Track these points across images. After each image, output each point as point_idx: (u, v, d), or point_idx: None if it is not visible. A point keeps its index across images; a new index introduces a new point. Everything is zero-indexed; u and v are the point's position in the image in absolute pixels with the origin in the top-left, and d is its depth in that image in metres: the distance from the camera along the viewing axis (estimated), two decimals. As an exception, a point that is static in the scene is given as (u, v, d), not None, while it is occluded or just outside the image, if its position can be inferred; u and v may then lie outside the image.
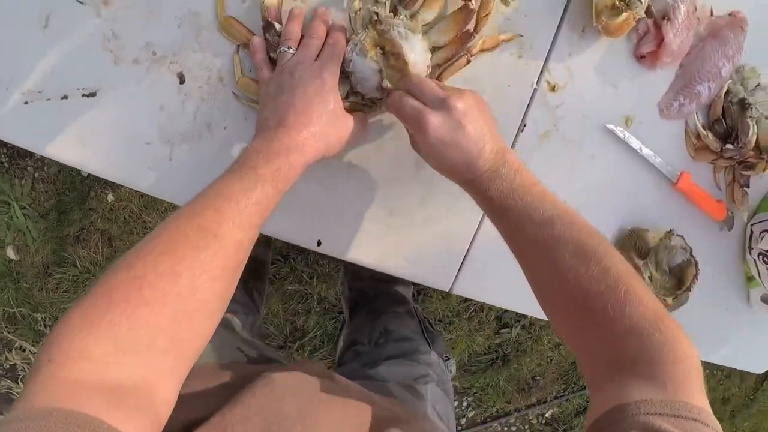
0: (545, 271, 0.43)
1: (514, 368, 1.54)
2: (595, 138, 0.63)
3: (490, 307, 1.44)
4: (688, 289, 0.66)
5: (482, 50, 0.55)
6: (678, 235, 0.66)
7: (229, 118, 0.59)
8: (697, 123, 0.67)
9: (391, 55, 0.49)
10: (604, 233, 0.64)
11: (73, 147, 0.59)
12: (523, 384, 1.59)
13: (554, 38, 0.59)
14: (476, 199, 0.49)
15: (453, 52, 0.53)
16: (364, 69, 0.50)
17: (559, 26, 0.59)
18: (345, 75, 0.52)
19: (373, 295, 0.88)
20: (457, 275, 0.62)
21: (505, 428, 1.62)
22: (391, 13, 0.50)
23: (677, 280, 0.67)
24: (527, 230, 0.44)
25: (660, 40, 0.63)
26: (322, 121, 0.47)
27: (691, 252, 0.67)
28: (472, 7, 0.50)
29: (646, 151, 0.65)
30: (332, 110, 0.48)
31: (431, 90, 0.46)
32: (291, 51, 0.50)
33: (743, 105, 0.67)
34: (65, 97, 0.59)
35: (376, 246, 0.60)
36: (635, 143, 0.64)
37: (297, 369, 0.51)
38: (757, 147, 0.66)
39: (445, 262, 0.61)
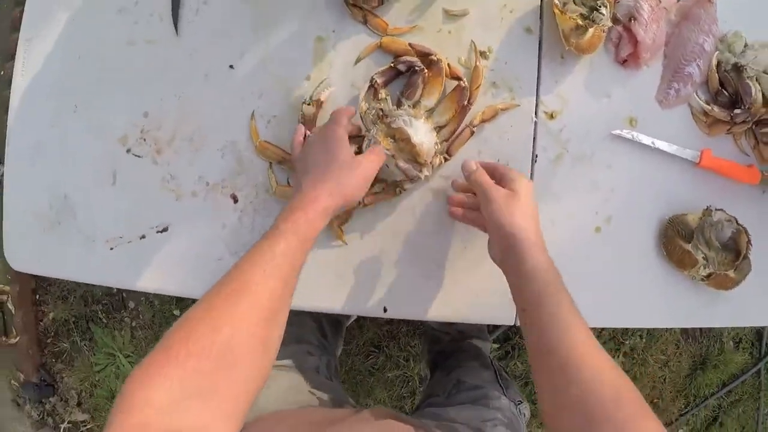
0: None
1: None
2: (605, 147, 0.67)
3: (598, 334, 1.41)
4: (746, 256, 0.66)
5: (482, 121, 0.62)
6: (717, 210, 0.67)
7: (280, 221, 0.68)
8: (700, 101, 0.70)
9: (401, 140, 0.57)
10: (643, 232, 0.66)
11: (156, 277, 0.69)
12: None
13: (538, 72, 0.66)
14: (511, 270, 0.52)
15: (455, 126, 0.61)
16: (388, 170, 0.58)
17: (539, 61, 0.66)
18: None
19: (450, 352, 0.92)
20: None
21: None
22: (395, 106, 0.59)
23: (734, 252, 0.68)
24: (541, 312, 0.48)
25: (634, 41, 0.67)
26: (334, 173, 0.52)
27: (736, 221, 0.68)
28: (464, 85, 0.58)
29: (659, 144, 0.68)
30: (342, 160, 0.53)
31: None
32: None
33: (738, 69, 0.69)
34: (143, 236, 0.70)
35: (436, 299, 0.65)
36: (646, 139, 0.68)
37: (370, 415, 0.54)
38: (766, 102, 0.68)
39: (504, 299, 0.65)
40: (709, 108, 0.70)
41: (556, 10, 0.63)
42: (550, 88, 0.66)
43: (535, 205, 0.55)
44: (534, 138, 0.65)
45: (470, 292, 0.65)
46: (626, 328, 1.39)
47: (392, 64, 0.62)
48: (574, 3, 0.65)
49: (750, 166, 0.72)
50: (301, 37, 0.67)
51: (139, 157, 0.71)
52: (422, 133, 0.57)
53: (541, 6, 0.67)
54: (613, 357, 1.41)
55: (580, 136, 0.66)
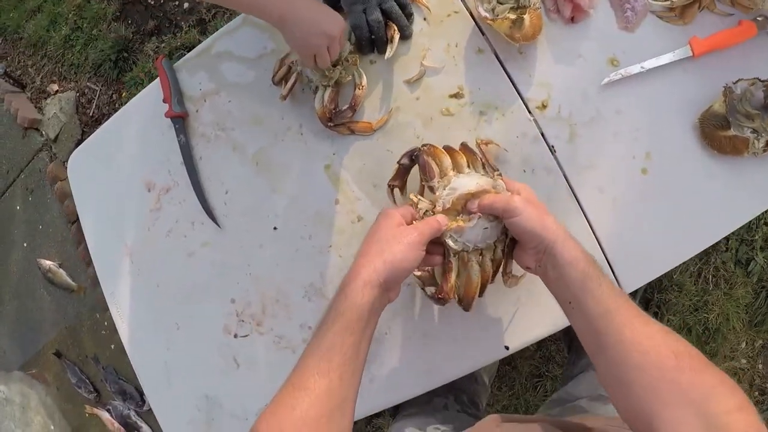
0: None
1: None
2: (605, 98, 0.69)
3: (723, 260, 1.30)
4: (791, 105, 0.66)
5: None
6: (735, 82, 0.68)
7: (384, 325, 0.74)
8: (658, 2, 0.71)
9: (464, 203, 0.58)
10: (687, 145, 0.68)
11: None
12: None
13: (510, 78, 0.70)
14: (551, 269, 0.53)
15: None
16: (471, 235, 0.57)
17: (504, 69, 0.70)
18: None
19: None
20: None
21: None
22: (430, 192, 0.60)
23: (777, 108, 0.68)
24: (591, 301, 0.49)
25: (569, -5, 0.70)
26: (375, 245, 0.52)
27: (759, 79, 0.68)
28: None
29: (648, 63, 0.70)
30: (385, 232, 0.52)
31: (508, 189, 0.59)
32: None
33: None
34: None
35: (541, 316, 0.68)
36: (635, 69, 0.70)
37: (482, 426, 0.56)
38: None
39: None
40: (669, 2, 0.71)
41: (488, 22, 0.68)
42: (527, 83, 0.70)
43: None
44: (542, 133, 0.69)
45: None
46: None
47: (398, 164, 0.65)
48: (500, 3, 0.69)
49: (741, 23, 0.71)
50: (312, 174, 0.76)
51: (245, 336, 0.81)
52: (470, 180, 0.58)
53: (477, 24, 0.72)
54: (752, 256, 1.31)
55: (578, 105, 0.70)
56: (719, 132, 0.68)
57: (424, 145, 0.63)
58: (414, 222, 0.56)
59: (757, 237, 1.33)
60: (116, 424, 1.56)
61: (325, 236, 0.76)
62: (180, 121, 0.80)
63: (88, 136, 1.76)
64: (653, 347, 0.44)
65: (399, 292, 0.56)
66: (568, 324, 0.67)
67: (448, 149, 0.64)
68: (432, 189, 0.60)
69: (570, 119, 0.70)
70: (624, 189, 0.68)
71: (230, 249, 0.81)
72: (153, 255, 0.86)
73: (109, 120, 0.87)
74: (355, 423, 0.50)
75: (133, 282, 0.88)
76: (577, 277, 0.50)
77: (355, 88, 0.71)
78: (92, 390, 1.65)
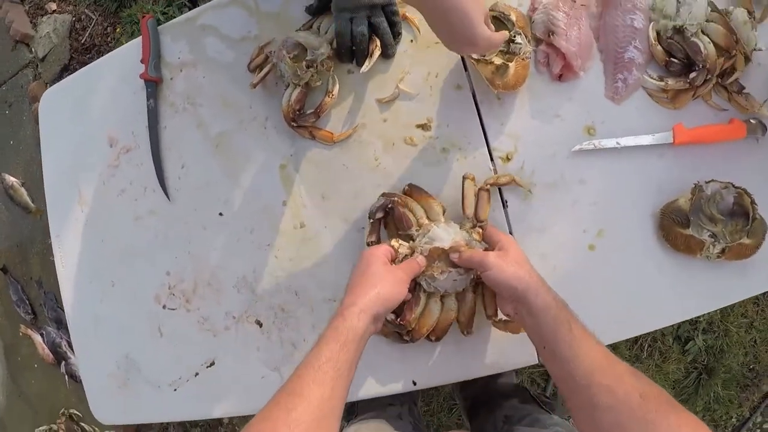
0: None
1: (723, 372, 1.40)
2: (572, 165, 0.67)
3: (662, 332, 1.37)
4: (755, 217, 0.64)
5: (493, 184, 0.67)
6: (708, 182, 0.66)
7: (303, 333, 0.74)
8: (652, 80, 0.69)
9: (442, 255, 0.63)
10: (640, 233, 0.66)
11: (216, 404, 0.77)
12: (744, 380, 1.43)
13: (481, 122, 0.68)
14: (527, 316, 0.56)
15: (471, 200, 0.66)
16: (442, 283, 0.63)
17: (478, 111, 0.68)
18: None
19: (484, 395, 0.94)
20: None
21: (759, 429, 1.45)
22: (410, 241, 0.65)
23: (744, 217, 0.65)
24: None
25: (561, 54, 0.68)
26: (369, 279, 0.57)
27: (732, 185, 0.65)
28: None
29: (625, 141, 0.68)
30: (376, 269, 0.58)
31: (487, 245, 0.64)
32: None
33: (679, 31, 0.67)
34: (197, 374, 0.79)
35: (458, 362, 0.68)
36: (609, 143, 0.67)
37: None
38: (721, 51, 0.65)
39: (520, 342, 0.66)
40: (664, 83, 0.69)
41: (472, 61, 0.65)
42: (497, 132, 0.68)
43: (523, 252, 0.60)
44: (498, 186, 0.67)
45: (488, 345, 0.67)
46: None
47: (371, 220, 0.67)
48: (493, 45, 0.67)
49: (731, 121, 0.69)
50: (266, 170, 0.75)
51: (173, 309, 0.81)
52: (447, 235, 0.63)
53: (463, 59, 0.69)
54: (692, 336, 1.35)
55: (543, 165, 0.68)
56: (677, 228, 0.66)
57: (394, 196, 0.65)
58: (393, 263, 0.63)
59: (701, 318, 1.34)
60: (46, 350, 1.58)
61: (266, 234, 0.75)
62: (153, 85, 0.79)
63: (75, 62, 1.79)
64: (622, 389, 0.47)
65: (381, 325, 0.60)
66: (477, 376, 0.68)
67: (424, 195, 0.67)
68: (410, 237, 0.65)
69: (531, 177, 0.68)
70: (568, 259, 0.66)
71: (175, 223, 0.80)
72: (103, 210, 0.85)
73: (87, 66, 0.86)
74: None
75: (80, 231, 0.88)
76: (549, 323, 0.53)
77: (325, 95, 0.69)
78: (30, 312, 1.68)
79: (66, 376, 1.57)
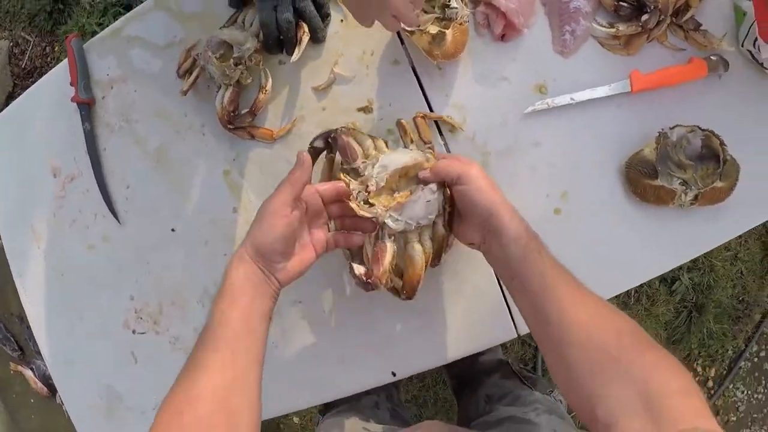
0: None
1: (713, 308, 1.37)
2: (525, 128, 0.63)
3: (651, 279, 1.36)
4: (725, 159, 0.60)
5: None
6: (672, 128, 0.62)
7: (274, 338, 0.71)
8: (602, 28, 0.65)
9: (396, 182, 0.55)
10: (607, 190, 0.62)
11: None
12: (735, 312, 1.40)
13: (425, 96, 0.64)
14: (496, 245, 0.51)
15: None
16: (413, 211, 0.53)
17: (420, 85, 0.64)
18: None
19: (468, 374, 0.91)
20: (513, 319, 0.63)
21: (756, 358, 1.42)
22: (354, 177, 0.54)
23: (715, 159, 0.61)
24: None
25: (501, 12, 0.64)
26: (253, 228, 0.51)
27: (699, 128, 0.61)
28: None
29: (579, 96, 0.64)
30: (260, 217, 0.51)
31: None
32: None
33: None
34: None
35: (434, 347, 0.65)
36: (563, 100, 0.63)
37: (425, 428, 0.55)
38: None
39: (496, 317, 0.63)
40: (614, 30, 0.64)
41: (406, 33, 0.61)
42: (443, 104, 0.64)
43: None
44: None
45: (464, 326, 0.64)
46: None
47: (311, 147, 0.59)
48: (425, 12, 0.63)
49: (690, 61, 0.65)
50: (211, 178, 0.71)
51: (143, 333, 0.78)
52: (401, 155, 0.54)
53: (398, 33, 0.65)
54: (678, 276, 1.32)
55: (495, 132, 0.64)
56: (645, 180, 0.62)
57: (341, 126, 0.57)
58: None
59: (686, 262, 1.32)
60: (39, 383, 1.57)
61: (221, 244, 0.72)
62: (86, 107, 0.75)
63: (19, 88, 1.73)
64: (595, 325, 0.43)
65: (291, 275, 0.53)
66: (456, 358, 0.64)
67: (369, 136, 0.58)
68: (356, 171, 0.55)
69: (484, 147, 0.64)
70: (534, 228, 0.61)
71: (129, 246, 0.77)
72: (57, 243, 0.82)
73: (19, 97, 0.82)
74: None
75: (41, 268, 0.85)
76: (519, 252, 0.49)
77: (258, 91, 0.65)
78: (16, 348, 1.66)
79: (63, 407, 1.57)
